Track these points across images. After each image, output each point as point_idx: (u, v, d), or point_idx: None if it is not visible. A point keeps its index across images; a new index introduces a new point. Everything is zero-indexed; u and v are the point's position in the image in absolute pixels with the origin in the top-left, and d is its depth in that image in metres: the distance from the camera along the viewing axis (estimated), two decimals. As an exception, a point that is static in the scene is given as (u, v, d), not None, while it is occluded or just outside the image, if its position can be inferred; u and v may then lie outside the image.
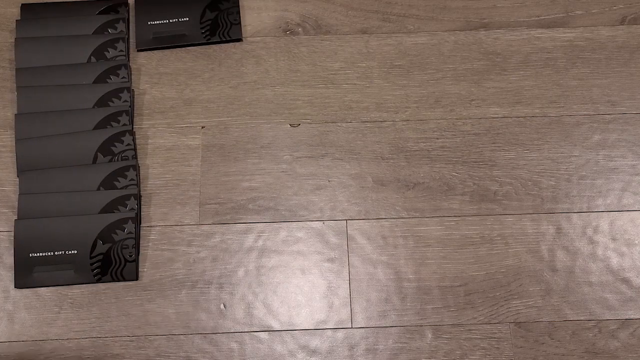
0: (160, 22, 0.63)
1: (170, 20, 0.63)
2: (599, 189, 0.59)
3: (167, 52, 0.63)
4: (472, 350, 0.55)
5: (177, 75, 0.62)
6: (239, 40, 0.63)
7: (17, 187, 0.58)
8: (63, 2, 0.64)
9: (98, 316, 0.56)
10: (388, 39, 0.64)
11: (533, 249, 0.58)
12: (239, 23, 0.63)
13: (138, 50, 0.62)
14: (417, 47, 0.63)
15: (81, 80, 0.60)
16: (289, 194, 0.59)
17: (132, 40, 0.63)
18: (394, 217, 0.58)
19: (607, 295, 0.57)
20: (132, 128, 0.60)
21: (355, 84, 0.62)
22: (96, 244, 0.56)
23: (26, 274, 0.56)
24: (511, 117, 0.61)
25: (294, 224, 0.58)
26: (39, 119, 0.59)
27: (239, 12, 0.63)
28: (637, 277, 0.57)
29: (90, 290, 0.56)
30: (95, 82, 0.60)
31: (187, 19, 0.63)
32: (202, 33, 0.63)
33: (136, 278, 0.56)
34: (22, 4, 0.63)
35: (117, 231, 0.56)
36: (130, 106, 0.60)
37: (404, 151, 0.60)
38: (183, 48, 0.63)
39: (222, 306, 0.56)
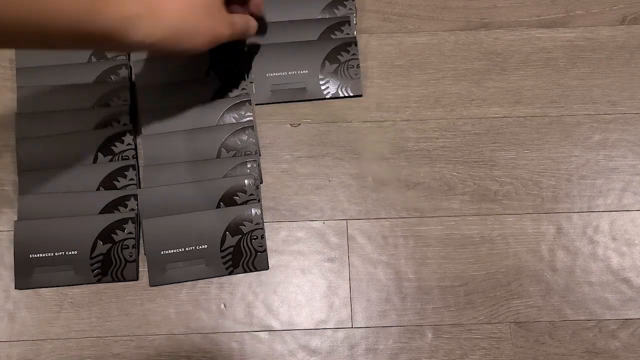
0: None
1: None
2: (600, 189, 0.59)
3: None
4: (473, 350, 0.55)
5: (178, 75, 0.62)
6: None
7: (17, 187, 0.58)
8: (63, 1, 0.64)
9: (98, 316, 0.56)
10: (388, 39, 0.63)
11: (533, 248, 0.58)
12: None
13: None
14: (418, 47, 0.63)
15: (82, 79, 0.60)
16: (289, 194, 0.59)
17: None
18: (394, 216, 0.58)
19: (608, 295, 0.57)
20: (133, 127, 0.60)
21: (355, 83, 0.62)
22: (96, 244, 0.56)
23: (26, 275, 0.56)
24: (511, 117, 0.61)
25: (294, 223, 0.58)
26: (39, 118, 0.59)
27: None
28: (638, 277, 0.57)
29: (90, 290, 0.56)
30: (95, 81, 0.60)
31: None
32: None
33: (136, 278, 0.57)
34: (22, 4, 0.63)
35: (117, 231, 0.56)
36: (130, 105, 0.60)
37: (404, 151, 0.60)
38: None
39: (222, 306, 0.56)
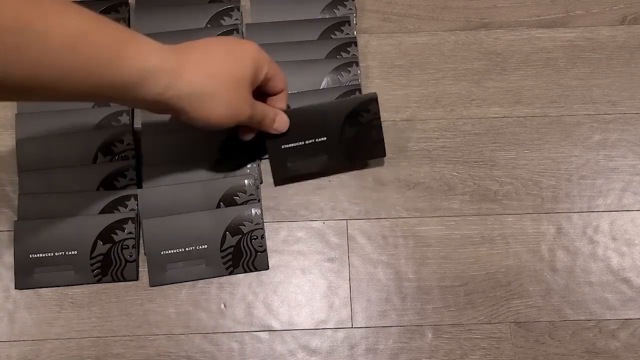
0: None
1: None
2: (600, 189, 0.59)
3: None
4: (473, 350, 0.55)
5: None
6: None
7: (17, 187, 0.58)
8: (63, 1, 0.64)
9: (99, 316, 0.56)
10: (388, 39, 0.64)
11: (533, 248, 0.58)
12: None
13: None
14: (418, 47, 0.63)
15: (81, 80, 0.60)
16: (289, 194, 0.59)
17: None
18: (394, 217, 0.58)
19: (608, 295, 0.57)
20: (133, 127, 0.60)
21: (355, 83, 0.62)
22: (96, 244, 0.56)
23: (26, 275, 0.56)
24: (511, 117, 0.61)
25: (294, 223, 0.58)
26: (39, 118, 0.59)
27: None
28: (638, 277, 0.57)
29: (90, 290, 0.56)
30: (95, 81, 0.60)
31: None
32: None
33: (136, 278, 0.57)
34: (22, 4, 0.63)
35: (117, 231, 0.56)
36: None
37: (404, 151, 0.60)
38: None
39: (222, 306, 0.56)
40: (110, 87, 0.40)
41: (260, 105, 0.51)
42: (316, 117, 0.56)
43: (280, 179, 0.59)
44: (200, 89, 0.44)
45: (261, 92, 0.52)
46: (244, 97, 0.47)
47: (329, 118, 0.56)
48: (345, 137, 0.57)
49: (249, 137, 0.54)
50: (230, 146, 0.59)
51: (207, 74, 0.44)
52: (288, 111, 0.55)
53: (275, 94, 0.53)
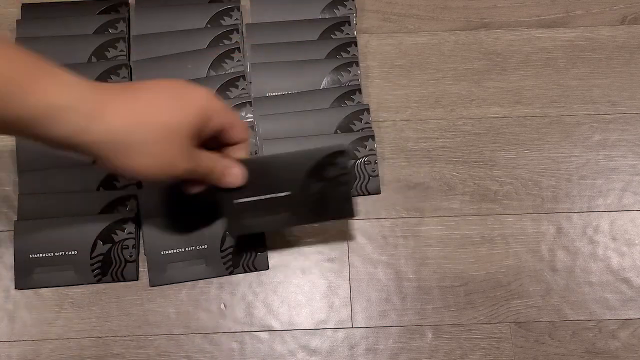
0: None
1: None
2: (600, 189, 0.59)
3: (167, 51, 0.63)
4: (473, 350, 0.55)
5: (178, 75, 0.62)
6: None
7: (17, 187, 0.58)
8: (63, 2, 0.64)
9: (99, 316, 0.56)
10: (388, 39, 0.64)
11: (533, 248, 0.58)
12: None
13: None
14: (418, 47, 0.63)
15: (81, 80, 0.60)
16: (289, 194, 0.59)
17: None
18: (394, 216, 0.58)
19: (608, 295, 0.57)
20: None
21: (355, 83, 0.62)
22: (96, 244, 0.56)
23: (26, 275, 0.56)
24: (511, 117, 0.61)
25: (294, 223, 0.58)
26: (39, 118, 0.59)
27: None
28: (638, 277, 0.57)
29: (90, 290, 0.56)
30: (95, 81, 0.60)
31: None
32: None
33: (136, 278, 0.57)
34: (22, 4, 0.63)
35: (117, 231, 0.56)
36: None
37: (404, 151, 0.60)
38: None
39: (222, 306, 0.56)
40: (16, 123, 0.37)
41: (206, 157, 0.45)
42: (276, 168, 0.50)
43: (235, 235, 0.55)
44: (121, 136, 0.39)
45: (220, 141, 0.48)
46: (179, 150, 0.42)
47: (291, 170, 0.50)
48: (310, 193, 0.50)
49: (194, 190, 0.48)
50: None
51: (133, 120, 0.39)
52: (244, 161, 0.48)
53: (234, 144, 0.48)
